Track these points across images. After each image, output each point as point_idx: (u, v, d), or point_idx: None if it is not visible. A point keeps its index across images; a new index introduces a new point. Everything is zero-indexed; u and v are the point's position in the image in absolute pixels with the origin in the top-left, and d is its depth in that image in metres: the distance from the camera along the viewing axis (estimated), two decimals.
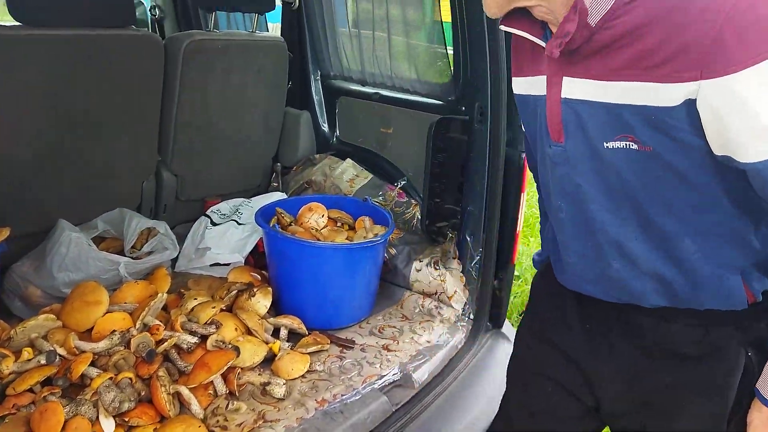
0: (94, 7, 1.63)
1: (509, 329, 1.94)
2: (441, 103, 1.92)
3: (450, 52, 1.84)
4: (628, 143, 0.83)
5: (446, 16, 1.82)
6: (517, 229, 1.78)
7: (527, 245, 3.55)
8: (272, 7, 2.02)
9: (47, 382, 1.29)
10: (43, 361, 1.31)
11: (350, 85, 2.29)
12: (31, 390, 1.25)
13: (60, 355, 1.34)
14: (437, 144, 1.85)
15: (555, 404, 1.13)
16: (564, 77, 0.88)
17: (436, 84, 1.95)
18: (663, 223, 0.89)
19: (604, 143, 0.86)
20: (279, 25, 2.48)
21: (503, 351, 1.83)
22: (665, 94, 0.77)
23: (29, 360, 1.30)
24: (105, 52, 1.70)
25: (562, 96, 0.89)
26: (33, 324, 1.38)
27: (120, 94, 1.79)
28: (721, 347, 0.94)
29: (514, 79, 1.04)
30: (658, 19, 0.76)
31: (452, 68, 1.84)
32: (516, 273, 3.06)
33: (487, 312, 1.83)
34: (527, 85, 0.99)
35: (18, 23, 1.54)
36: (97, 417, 1.24)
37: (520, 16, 0.89)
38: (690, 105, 0.76)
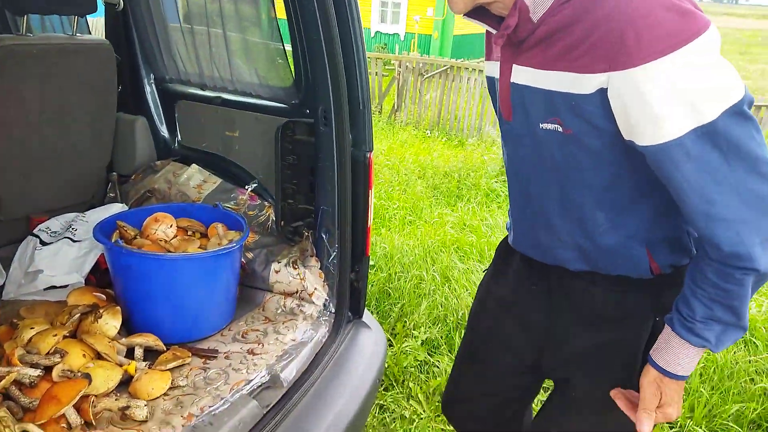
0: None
1: (369, 317, 2.04)
2: (285, 106, 1.95)
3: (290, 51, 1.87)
4: (556, 126, 0.99)
5: (282, 13, 1.83)
6: (369, 223, 1.88)
7: (379, 235, 3.73)
8: (94, 9, 1.87)
9: None
10: None
11: (189, 88, 2.21)
12: None
13: None
14: (285, 146, 1.88)
15: (500, 356, 1.36)
16: (513, 64, 1.02)
17: (279, 88, 1.97)
18: (580, 199, 1.05)
19: (540, 124, 1.00)
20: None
21: (365, 338, 1.92)
22: (583, 83, 0.91)
23: None
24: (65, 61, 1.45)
25: (511, 81, 1.03)
26: None
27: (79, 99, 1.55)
28: (634, 312, 1.12)
29: (485, 62, 1.18)
30: (580, 18, 0.89)
31: (293, 72, 1.87)
32: (371, 262, 3.21)
33: (347, 304, 1.90)
34: (491, 68, 1.13)
35: None
36: None
37: (482, 9, 1.03)
38: (602, 93, 0.89)
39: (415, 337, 2.72)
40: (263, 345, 1.70)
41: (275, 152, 1.85)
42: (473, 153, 6.64)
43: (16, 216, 1.96)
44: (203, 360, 1.61)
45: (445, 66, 8.43)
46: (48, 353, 1.39)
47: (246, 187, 2.08)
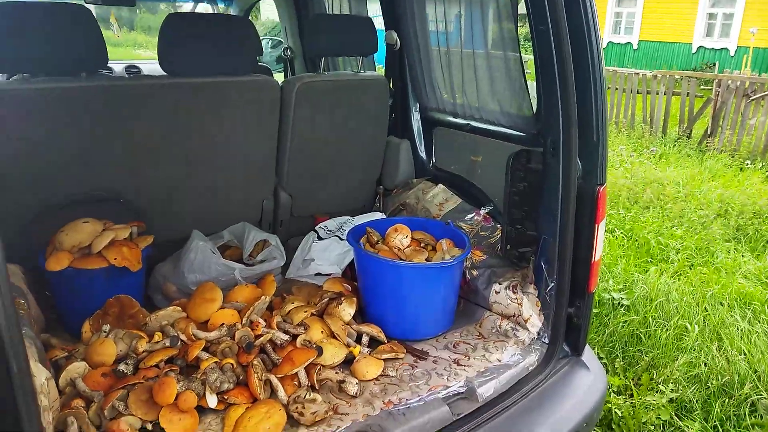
0: (225, 58, 1.99)
1: (591, 357, 1.95)
2: (524, 135, 2.01)
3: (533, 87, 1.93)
4: None
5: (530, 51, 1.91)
6: (594, 258, 1.80)
7: (643, 274, 3.39)
8: (374, 50, 2.27)
9: (170, 360, 1.61)
10: (168, 344, 1.64)
11: (445, 116, 2.46)
12: (156, 365, 1.58)
13: (181, 340, 1.66)
14: (517, 173, 1.94)
15: None
16: None
17: (519, 117, 2.04)
18: None
19: None
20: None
21: (580, 377, 1.85)
22: None
23: (158, 342, 1.64)
24: (231, 95, 2.05)
25: None
26: (163, 314, 1.73)
27: (243, 128, 2.14)
28: None
29: None
30: None
31: (534, 104, 1.93)
32: (626, 302, 2.98)
33: (562, 337, 1.86)
34: None
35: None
36: (204, 393, 1.53)
37: None
38: None
39: (661, 392, 2.43)
40: (470, 358, 1.80)
41: (506, 178, 1.94)
42: None
43: (304, 214, 2.49)
44: (414, 359, 1.80)
45: None
46: (297, 324, 1.77)
47: (481, 209, 2.21)
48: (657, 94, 8.28)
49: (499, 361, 1.79)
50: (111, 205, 2.00)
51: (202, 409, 1.52)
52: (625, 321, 2.88)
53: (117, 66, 3.73)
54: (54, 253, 1.77)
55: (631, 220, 4.25)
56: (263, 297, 1.84)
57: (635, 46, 16.00)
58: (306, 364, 1.61)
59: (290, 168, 2.36)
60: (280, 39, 3.48)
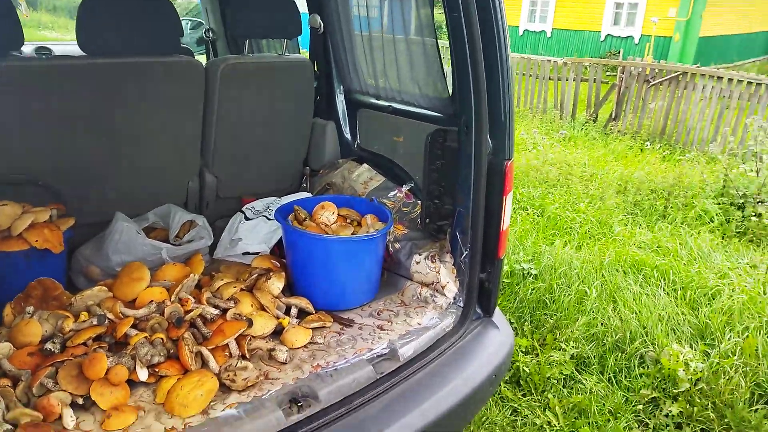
0: (146, 39, 1.99)
1: (501, 319, 2.14)
2: (442, 116, 2.16)
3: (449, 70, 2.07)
4: None
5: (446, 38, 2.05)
6: (502, 227, 1.98)
7: (549, 245, 3.68)
8: (299, 33, 2.33)
9: (98, 338, 1.63)
10: (95, 323, 1.65)
11: (368, 98, 2.57)
12: (84, 344, 1.59)
13: (109, 319, 1.68)
14: (435, 151, 2.09)
15: None
16: None
17: (437, 99, 2.19)
18: None
19: None
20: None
21: (490, 336, 2.04)
22: None
23: (84, 321, 1.65)
24: (153, 76, 2.05)
25: None
26: (89, 294, 1.74)
27: (166, 109, 2.15)
28: None
29: None
30: None
31: (450, 87, 2.07)
32: (535, 272, 3.24)
33: (475, 300, 2.04)
34: None
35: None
36: (135, 367, 1.57)
37: None
38: None
39: (563, 350, 2.70)
40: (392, 323, 1.94)
41: (424, 156, 2.08)
42: (693, 170, 5.97)
43: (231, 195, 2.53)
44: (341, 327, 1.92)
45: (676, 72, 7.68)
46: (227, 299, 1.84)
47: (403, 186, 2.35)
48: (567, 80, 8.79)
49: (419, 324, 1.94)
50: (28, 189, 1.96)
51: (133, 384, 1.56)
52: (533, 289, 3.13)
53: (26, 48, 3.54)
54: None
55: (540, 198, 4.57)
56: (192, 275, 1.89)
57: (549, 34, 16.76)
58: (237, 335, 1.69)
59: (216, 149, 2.38)
60: (200, 20, 3.43)
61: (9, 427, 1.34)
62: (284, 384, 1.61)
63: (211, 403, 1.51)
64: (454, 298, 2.05)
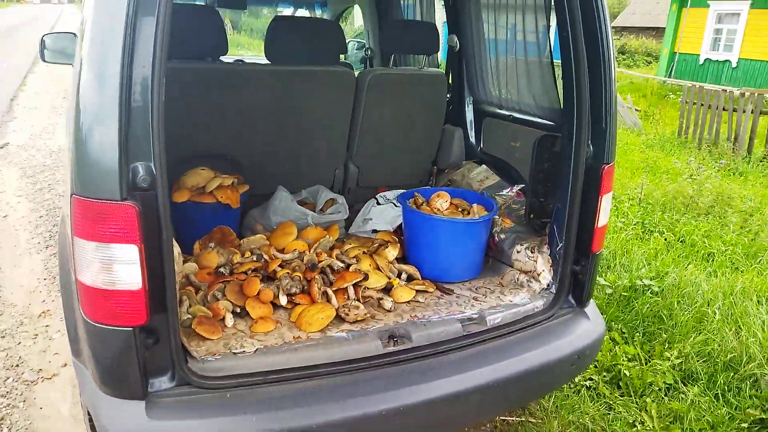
0: (314, 52, 2.55)
1: (594, 312, 2.30)
2: (553, 124, 2.41)
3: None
4: None
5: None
6: (596, 225, 2.16)
7: (680, 268, 3.60)
8: (435, 51, 2.75)
9: (255, 270, 2.16)
10: (254, 259, 2.20)
11: (492, 108, 2.89)
12: (245, 273, 2.13)
13: (264, 258, 2.21)
14: (542, 155, 2.36)
15: None
16: None
17: (549, 109, 2.44)
18: None
19: None
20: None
21: (577, 323, 2.21)
22: None
23: (247, 257, 2.20)
24: (317, 81, 2.60)
25: None
26: (253, 239, 2.30)
27: (324, 108, 2.69)
28: None
29: None
30: None
31: (561, 99, 2.32)
32: (656, 288, 3.24)
33: (567, 289, 2.24)
34: None
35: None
36: (278, 294, 2.07)
37: None
38: None
39: (669, 360, 2.72)
40: (486, 297, 2.23)
41: (531, 158, 2.35)
42: None
43: (369, 185, 3.01)
44: (441, 293, 2.26)
45: None
46: (351, 257, 2.28)
47: (515, 186, 2.62)
48: (744, 112, 8.12)
49: (511, 301, 2.20)
50: (220, 161, 2.61)
51: (275, 307, 2.06)
52: (651, 303, 3.14)
53: (226, 60, 4.47)
54: (178, 190, 2.39)
55: (682, 224, 4.42)
56: (328, 237, 2.37)
57: (734, 64, 15.35)
58: (354, 281, 2.12)
59: (359, 144, 2.88)
60: (364, 42, 4.07)
61: (189, 316, 1.90)
62: (386, 324, 2.00)
63: (329, 326, 1.94)
64: (548, 285, 2.27)
